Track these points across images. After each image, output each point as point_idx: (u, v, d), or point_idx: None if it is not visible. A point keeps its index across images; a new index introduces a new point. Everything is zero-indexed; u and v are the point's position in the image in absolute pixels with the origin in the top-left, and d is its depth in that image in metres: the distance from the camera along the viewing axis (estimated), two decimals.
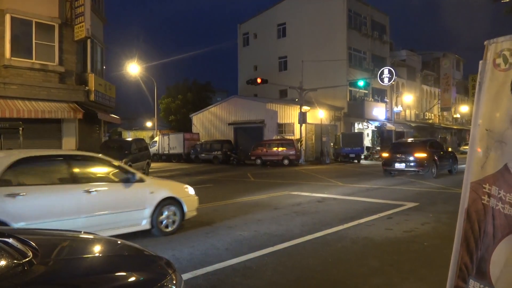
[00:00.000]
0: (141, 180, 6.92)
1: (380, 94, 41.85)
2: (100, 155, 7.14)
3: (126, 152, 17.64)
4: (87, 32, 17.57)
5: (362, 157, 31.31)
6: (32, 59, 16.98)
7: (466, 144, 23.63)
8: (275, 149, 27.94)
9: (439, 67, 51.75)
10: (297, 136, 30.19)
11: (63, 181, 6.10)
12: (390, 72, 31.10)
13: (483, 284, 2.37)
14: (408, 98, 44.30)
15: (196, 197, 7.88)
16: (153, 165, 23.77)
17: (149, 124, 53.55)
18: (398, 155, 17.38)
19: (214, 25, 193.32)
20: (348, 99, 37.92)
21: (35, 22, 17.08)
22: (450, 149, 22.80)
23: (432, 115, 50.91)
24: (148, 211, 6.85)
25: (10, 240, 2.40)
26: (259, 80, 23.87)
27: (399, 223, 7.92)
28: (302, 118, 28.71)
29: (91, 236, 3.20)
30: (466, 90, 56.06)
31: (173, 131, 41.35)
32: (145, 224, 6.84)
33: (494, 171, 2.36)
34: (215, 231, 7.44)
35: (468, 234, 2.47)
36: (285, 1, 41.72)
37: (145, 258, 2.84)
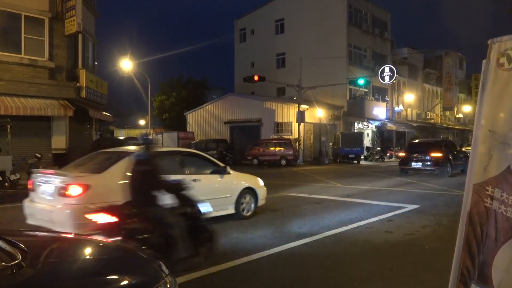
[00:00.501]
0: (229, 173, 8.41)
1: (380, 93, 41.36)
2: (200, 152, 9.06)
3: None
4: (78, 26, 17.13)
5: (362, 157, 30.89)
6: (21, 54, 16.57)
7: (469, 145, 23.75)
8: (272, 149, 27.47)
9: (441, 65, 51.18)
10: (295, 135, 29.73)
11: (177, 171, 7.38)
12: (391, 70, 30.57)
13: None
14: (410, 97, 43.79)
15: (265, 188, 9.29)
16: None
17: (142, 122, 52.90)
18: (414, 155, 18.29)
19: (210, 20, 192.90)
20: (347, 98, 37.47)
21: (24, 15, 16.64)
22: (464, 149, 22.85)
23: (434, 115, 50.37)
24: (233, 198, 8.40)
25: None
26: (256, 78, 23.36)
27: (399, 226, 7.89)
28: (301, 117, 28.26)
29: (82, 238, 3.18)
30: (469, 90, 55.45)
31: (167, 129, 40.58)
32: (231, 209, 8.36)
33: (497, 173, 2.33)
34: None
35: (470, 237, 2.45)
36: None
37: (139, 261, 2.79)
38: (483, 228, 2.39)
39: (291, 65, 38.55)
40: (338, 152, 30.81)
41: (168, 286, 2.42)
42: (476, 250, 2.42)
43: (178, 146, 33.01)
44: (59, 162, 17.60)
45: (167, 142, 33.89)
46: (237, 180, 8.69)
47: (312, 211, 9.59)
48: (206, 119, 37.04)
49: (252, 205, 8.81)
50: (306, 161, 29.71)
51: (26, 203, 6.97)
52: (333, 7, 37.50)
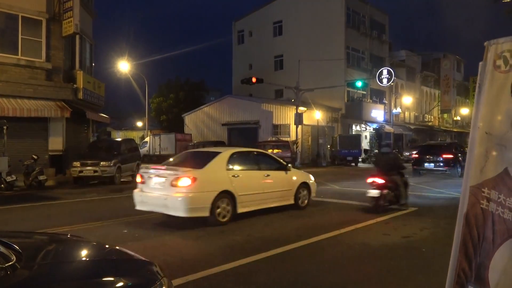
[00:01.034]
0: (289, 170, 9.86)
1: (378, 95, 41.38)
2: (267, 152, 11.24)
3: (115, 153, 17.08)
4: (75, 27, 17.10)
5: (360, 160, 30.82)
6: (17, 55, 16.53)
7: (467, 147, 24.20)
8: (270, 150, 27.29)
9: (439, 68, 51.27)
10: (293, 137, 29.69)
11: (254, 168, 9.19)
12: (389, 72, 30.54)
13: None
14: (407, 99, 43.83)
15: (315, 184, 10.64)
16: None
17: (139, 124, 52.63)
18: (427, 156, 19.52)
19: (208, 22, 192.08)
20: (345, 100, 37.47)
21: (21, 16, 16.60)
22: None
23: (432, 117, 50.42)
24: (293, 191, 9.77)
25: None
26: (254, 80, 23.29)
27: (397, 228, 7.87)
28: (298, 119, 28.22)
29: (78, 240, 3.15)
30: (467, 92, 55.53)
31: (165, 131, 40.30)
32: (291, 200, 9.75)
33: (494, 175, 2.33)
34: (207, 235, 7.27)
35: (466, 239, 2.45)
36: None
37: (134, 263, 2.75)
38: (479, 230, 2.39)
39: (289, 67, 38.51)
40: (336, 155, 30.77)
41: None
42: (472, 252, 2.42)
43: (176, 149, 32.94)
44: (56, 163, 17.58)
45: (165, 144, 33.72)
46: (296, 176, 10.09)
47: (308, 214, 9.59)
48: (204, 121, 36.96)
49: (307, 198, 10.21)
50: (304, 163, 29.64)
51: (137, 192, 8.46)
52: (331, 9, 37.51)
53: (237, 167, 8.70)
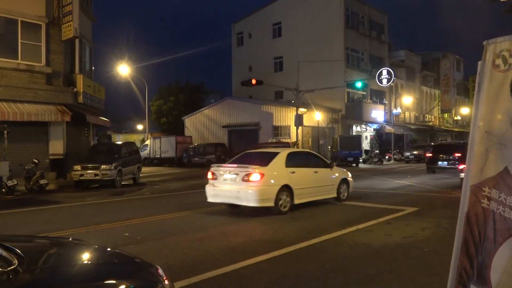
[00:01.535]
0: (333, 167, 11.28)
1: (378, 96, 41.38)
2: (315, 152, 12.70)
3: (116, 156, 17.09)
4: (75, 31, 17.09)
5: (361, 160, 30.79)
6: (17, 59, 16.54)
7: None
8: None
9: (438, 67, 51.26)
10: (293, 139, 29.69)
11: (305, 165, 10.50)
12: (388, 73, 30.57)
13: None
14: (407, 99, 43.80)
15: (352, 180, 11.91)
16: (144, 169, 23.24)
17: (140, 127, 52.53)
18: (440, 155, 20.55)
19: (207, 24, 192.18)
20: (345, 101, 37.47)
21: (21, 21, 16.63)
22: None
23: (432, 117, 50.37)
24: (335, 186, 11.09)
25: None
26: (254, 81, 23.24)
27: (398, 229, 7.83)
28: (299, 120, 28.17)
29: (79, 243, 3.16)
30: (467, 92, 55.53)
31: (165, 134, 40.32)
32: (334, 194, 11.05)
33: (494, 174, 2.33)
34: (209, 238, 7.25)
35: (467, 238, 2.45)
36: (280, 0, 41.16)
37: (136, 266, 2.76)
38: (480, 229, 2.39)
39: (288, 69, 38.54)
40: (336, 155, 30.70)
41: None
42: (474, 251, 2.42)
43: (176, 151, 33.00)
44: (57, 167, 17.59)
45: (165, 147, 33.74)
46: (338, 173, 11.41)
47: (311, 214, 9.59)
48: (204, 123, 36.97)
49: (346, 192, 11.47)
50: None
51: (209, 187, 9.87)
52: (330, 10, 37.54)
53: (293, 165, 9.97)
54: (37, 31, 17.09)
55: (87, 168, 15.85)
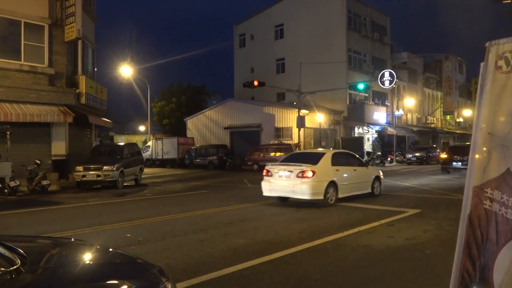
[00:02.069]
0: (368, 166, 13.05)
1: (380, 98, 41.34)
2: (353, 153, 13.27)
3: (118, 157, 17.12)
4: (78, 33, 17.16)
5: None
6: (20, 60, 16.59)
7: None
8: (272, 154, 27.36)
9: (441, 69, 51.18)
10: (295, 140, 29.66)
11: (347, 164, 11.91)
12: (391, 74, 30.53)
13: None
14: (410, 101, 43.71)
15: (383, 178, 13.38)
16: (146, 170, 23.30)
17: (142, 128, 52.66)
18: (455, 156, 21.82)
19: (209, 26, 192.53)
20: (347, 103, 37.43)
21: (24, 22, 16.68)
22: None
23: (434, 119, 50.27)
24: (370, 183, 12.53)
25: None
26: (256, 83, 23.31)
27: (400, 230, 7.83)
28: (301, 122, 28.20)
29: (81, 244, 3.17)
30: (469, 94, 55.40)
31: (167, 135, 40.34)
32: (369, 189, 12.47)
33: (497, 175, 2.33)
34: (210, 239, 7.23)
35: (470, 240, 2.44)
36: (282, 2, 41.15)
37: (138, 266, 2.77)
38: (483, 231, 2.39)
39: (290, 70, 38.57)
40: None
41: None
42: (476, 253, 2.41)
43: (178, 152, 33.07)
44: (59, 168, 17.62)
45: (167, 148, 33.79)
46: (372, 171, 12.99)
47: (312, 216, 9.58)
48: (206, 125, 36.99)
49: (379, 188, 12.90)
50: None
51: (265, 183, 11.17)
52: (332, 12, 37.55)
53: (337, 164, 11.38)
54: (40, 32, 17.14)
55: (89, 169, 15.88)
